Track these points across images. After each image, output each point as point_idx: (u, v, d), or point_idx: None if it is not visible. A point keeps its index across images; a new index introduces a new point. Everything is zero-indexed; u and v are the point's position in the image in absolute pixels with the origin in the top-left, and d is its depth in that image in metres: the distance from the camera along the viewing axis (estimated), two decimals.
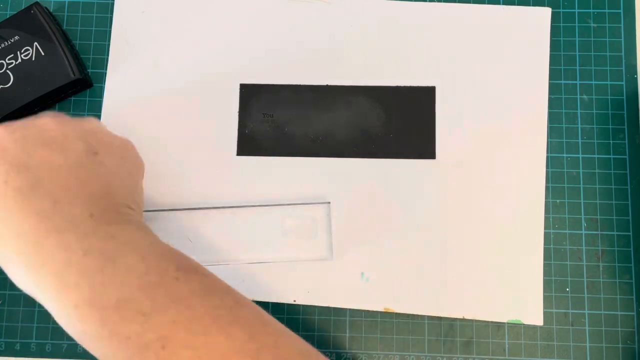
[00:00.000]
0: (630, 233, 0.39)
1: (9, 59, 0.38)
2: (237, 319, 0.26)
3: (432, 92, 0.40)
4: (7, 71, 0.38)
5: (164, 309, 0.25)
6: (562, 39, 0.41)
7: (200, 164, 0.39)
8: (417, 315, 0.38)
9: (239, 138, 0.40)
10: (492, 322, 0.38)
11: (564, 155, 0.40)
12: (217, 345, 0.25)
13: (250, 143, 0.40)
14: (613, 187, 0.39)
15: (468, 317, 0.38)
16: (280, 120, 0.40)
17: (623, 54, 0.41)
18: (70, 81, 0.38)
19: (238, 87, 0.41)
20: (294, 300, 0.38)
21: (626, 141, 0.40)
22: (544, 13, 0.41)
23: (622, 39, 0.41)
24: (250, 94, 0.40)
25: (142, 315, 0.25)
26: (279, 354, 0.26)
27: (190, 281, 0.27)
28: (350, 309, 0.38)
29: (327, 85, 0.40)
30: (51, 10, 0.42)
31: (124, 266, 0.26)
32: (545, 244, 0.39)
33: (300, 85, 0.40)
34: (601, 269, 0.38)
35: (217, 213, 0.38)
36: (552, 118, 0.40)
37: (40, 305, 0.38)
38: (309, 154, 0.40)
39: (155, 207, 0.39)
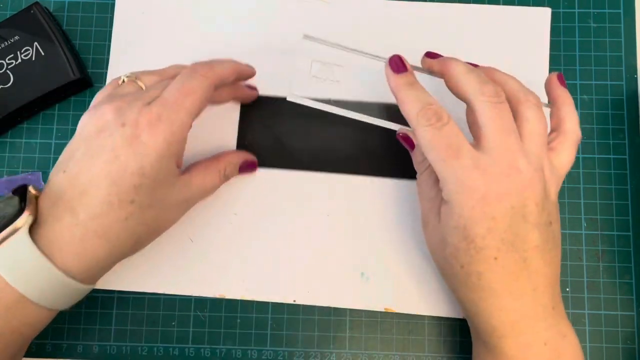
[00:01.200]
0: (630, 233, 0.39)
1: (9, 59, 0.38)
2: None
3: None
4: (7, 71, 0.38)
5: None
6: (562, 39, 0.41)
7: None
8: (417, 315, 0.38)
9: (238, 149, 0.40)
10: None
11: None
12: None
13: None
14: (613, 187, 0.39)
15: None
16: (279, 132, 0.40)
17: (623, 54, 0.41)
18: (70, 81, 0.38)
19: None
20: (294, 300, 0.38)
21: (626, 141, 0.40)
22: (544, 13, 0.41)
23: (622, 39, 0.41)
24: (251, 106, 0.40)
25: None
26: None
27: None
28: (350, 309, 0.38)
29: (329, 99, 0.40)
30: (51, 10, 0.42)
31: None
32: None
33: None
34: (601, 269, 0.38)
35: (220, 215, 0.38)
36: None
37: None
38: (308, 168, 0.40)
39: None
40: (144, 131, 0.30)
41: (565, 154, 0.32)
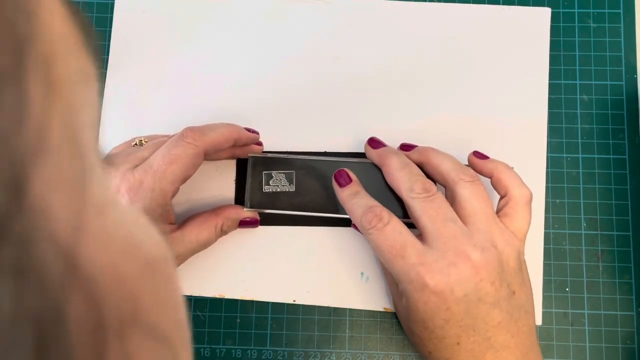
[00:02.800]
0: (630, 233, 0.39)
1: None
2: None
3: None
4: None
5: None
6: (562, 39, 0.41)
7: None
8: None
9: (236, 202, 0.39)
10: None
11: (564, 155, 0.40)
12: None
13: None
14: (613, 187, 0.39)
15: None
16: (277, 188, 0.38)
17: (623, 54, 0.41)
18: None
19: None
20: (294, 300, 0.38)
21: (626, 141, 0.40)
22: (544, 13, 0.41)
23: (622, 39, 0.41)
24: (247, 162, 0.38)
25: None
26: None
27: None
28: (350, 309, 0.38)
29: (325, 152, 0.39)
30: None
31: None
32: (545, 244, 0.39)
33: (298, 153, 0.38)
34: (601, 269, 0.38)
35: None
36: (552, 118, 0.40)
37: None
38: (307, 223, 0.39)
39: None
40: (124, 197, 0.31)
41: (520, 219, 0.33)
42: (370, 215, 0.32)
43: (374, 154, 0.36)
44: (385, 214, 0.32)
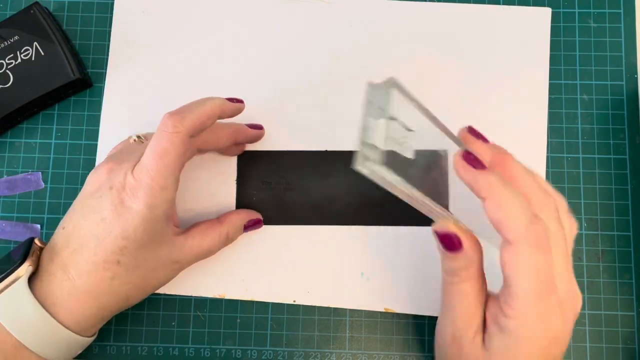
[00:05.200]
0: (631, 233, 0.39)
1: (8, 59, 0.38)
2: None
3: None
4: (7, 71, 0.38)
5: None
6: (562, 39, 0.41)
7: (202, 168, 0.39)
8: (417, 315, 0.38)
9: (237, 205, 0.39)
10: None
11: (564, 155, 0.40)
12: None
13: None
14: (613, 187, 0.39)
15: None
16: (278, 187, 0.39)
17: (623, 54, 0.41)
18: (70, 81, 0.38)
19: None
20: (294, 300, 0.38)
21: (626, 141, 0.40)
22: (544, 13, 0.41)
23: (622, 39, 0.41)
24: (248, 162, 0.39)
25: None
26: None
27: None
28: (350, 309, 0.38)
29: (326, 150, 0.39)
30: (51, 10, 0.42)
31: None
32: None
33: (299, 152, 0.39)
34: (601, 269, 0.38)
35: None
36: (552, 118, 0.40)
37: None
38: (309, 222, 0.39)
39: None
40: (128, 195, 0.31)
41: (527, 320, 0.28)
42: (540, 229, 0.26)
43: (484, 149, 0.29)
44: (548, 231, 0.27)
